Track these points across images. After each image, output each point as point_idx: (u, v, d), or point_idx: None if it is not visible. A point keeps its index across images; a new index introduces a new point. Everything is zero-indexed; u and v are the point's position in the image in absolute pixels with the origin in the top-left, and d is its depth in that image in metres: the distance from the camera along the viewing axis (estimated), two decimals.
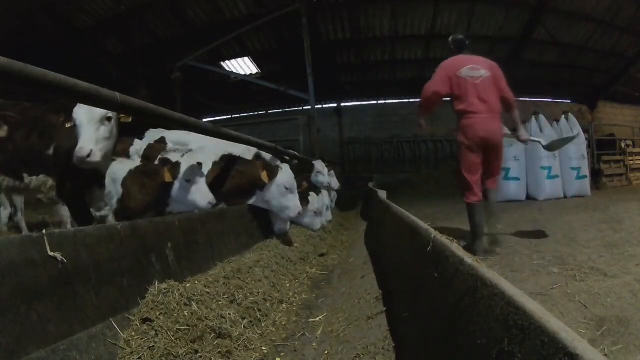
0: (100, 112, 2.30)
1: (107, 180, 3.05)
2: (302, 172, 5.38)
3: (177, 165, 3.04)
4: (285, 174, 3.33)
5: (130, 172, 3.09)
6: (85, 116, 2.29)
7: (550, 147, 3.87)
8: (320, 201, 4.70)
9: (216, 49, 10.03)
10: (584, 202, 6.40)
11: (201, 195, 2.97)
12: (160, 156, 3.39)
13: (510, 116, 3.33)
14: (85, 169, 2.35)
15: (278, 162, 3.48)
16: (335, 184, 6.02)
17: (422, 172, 12.23)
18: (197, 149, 3.74)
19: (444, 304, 1.10)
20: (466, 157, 3.20)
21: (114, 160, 3.26)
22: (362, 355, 1.48)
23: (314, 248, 3.89)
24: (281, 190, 3.29)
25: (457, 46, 3.42)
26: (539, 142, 3.73)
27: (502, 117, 3.25)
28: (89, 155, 2.21)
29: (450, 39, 3.52)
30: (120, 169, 3.11)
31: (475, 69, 3.19)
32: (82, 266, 1.39)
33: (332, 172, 6.03)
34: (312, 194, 4.42)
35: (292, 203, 3.32)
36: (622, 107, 14.99)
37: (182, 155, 3.48)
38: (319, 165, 5.59)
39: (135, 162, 3.40)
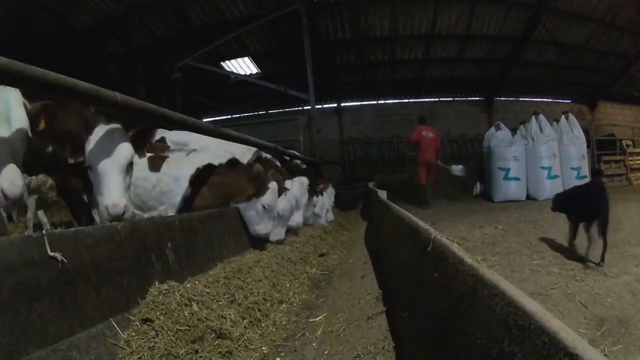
0: (127, 157, 2.01)
1: (166, 178, 2.89)
2: (300, 172, 5.41)
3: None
4: (270, 195, 3.13)
5: (199, 170, 2.97)
6: (110, 163, 1.94)
7: (452, 171, 7.66)
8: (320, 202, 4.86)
9: (216, 49, 10.02)
10: None
11: (265, 225, 3.11)
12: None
13: (437, 152, 7.48)
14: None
15: (270, 183, 3.27)
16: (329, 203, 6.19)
17: None
18: (200, 149, 3.71)
19: (444, 304, 1.10)
20: (420, 167, 7.36)
21: (166, 157, 3.11)
22: (362, 355, 1.48)
23: (314, 248, 3.89)
24: (259, 208, 3.10)
25: (421, 120, 7.75)
26: (447, 167, 7.69)
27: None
28: (124, 213, 1.90)
29: (418, 116, 8.17)
30: (182, 166, 2.95)
31: (428, 133, 7.37)
32: (82, 266, 1.39)
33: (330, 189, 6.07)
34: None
35: (264, 224, 3.15)
36: (622, 107, 14.97)
37: (187, 155, 3.45)
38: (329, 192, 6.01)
39: (194, 159, 3.22)
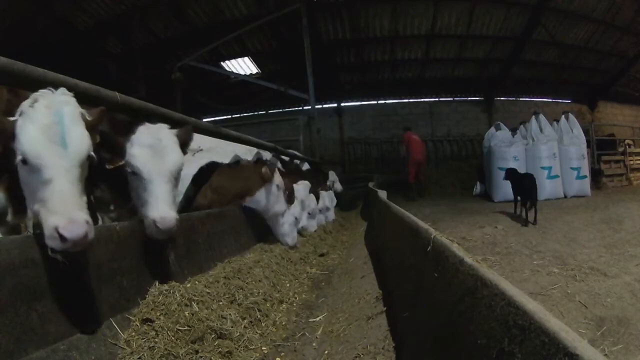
0: (177, 163, 1.77)
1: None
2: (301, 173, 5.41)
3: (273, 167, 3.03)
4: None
5: (202, 169, 2.95)
6: (158, 169, 1.70)
7: None
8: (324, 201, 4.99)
9: (216, 49, 10.03)
10: (584, 202, 6.40)
11: (281, 203, 3.13)
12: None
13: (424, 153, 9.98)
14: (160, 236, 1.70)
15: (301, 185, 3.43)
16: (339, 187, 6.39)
17: None
18: (207, 149, 3.69)
19: (444, 304, 1.10)
20: (411, 166, 9.06)
21: None
22: (362, 355, 1.49)
23: (314, 248, 3.88)
24: (291, 220, 3.20)
25: (406, 128, 9.63)
26: None
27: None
28: (174, 227, 1.67)
29: (403, 126, 10.30)
30: (189, 165, 2.86)
31: (416, 136, 9.37)
32: (82, 266, 1.39)
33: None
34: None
35: (294, 235, 3.26)
36: (622, 107, 14.98)
37: (193, 154, 3.43)
38: (332, 176, 5.93)
39: (201, 157, 3.19)
